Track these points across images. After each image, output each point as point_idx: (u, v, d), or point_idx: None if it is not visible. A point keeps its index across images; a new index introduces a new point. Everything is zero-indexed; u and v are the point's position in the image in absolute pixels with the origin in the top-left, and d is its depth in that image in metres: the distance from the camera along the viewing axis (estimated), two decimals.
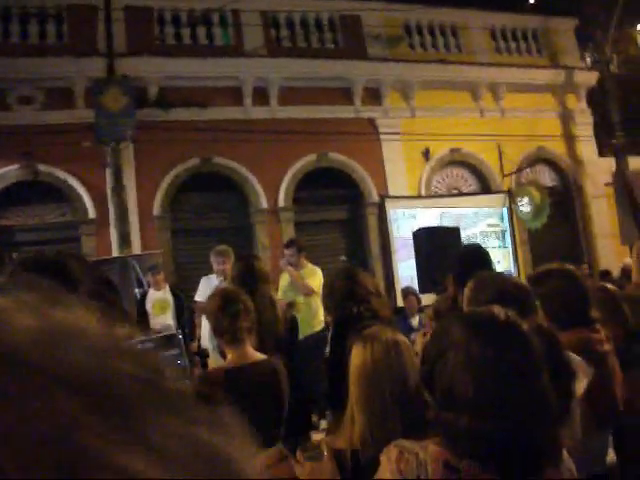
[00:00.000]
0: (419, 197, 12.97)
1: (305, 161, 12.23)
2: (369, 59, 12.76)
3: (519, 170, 14.01)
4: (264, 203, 11.85)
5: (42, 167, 10.52)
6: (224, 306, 3.07)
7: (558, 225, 14.34)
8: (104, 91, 10.18)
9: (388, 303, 4.58)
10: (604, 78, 14.88)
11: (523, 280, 3.51)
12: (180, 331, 7.47)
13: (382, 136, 12.73)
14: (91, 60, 10.68)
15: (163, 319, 7.90)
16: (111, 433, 0.31)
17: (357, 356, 2.23)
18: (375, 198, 12.59)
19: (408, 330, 8.31)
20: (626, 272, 8.40)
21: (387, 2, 12.89)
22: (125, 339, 0.40)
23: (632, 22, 16.23)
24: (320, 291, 5.23)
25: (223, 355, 3.29)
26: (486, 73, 13.67)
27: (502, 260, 12.90)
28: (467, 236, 11.86)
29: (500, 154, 13.66)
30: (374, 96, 12.87)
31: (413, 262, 8.64)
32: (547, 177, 14.88)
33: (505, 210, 13.56)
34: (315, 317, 6.72)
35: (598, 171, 14.63)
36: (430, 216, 12.16)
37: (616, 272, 11.08)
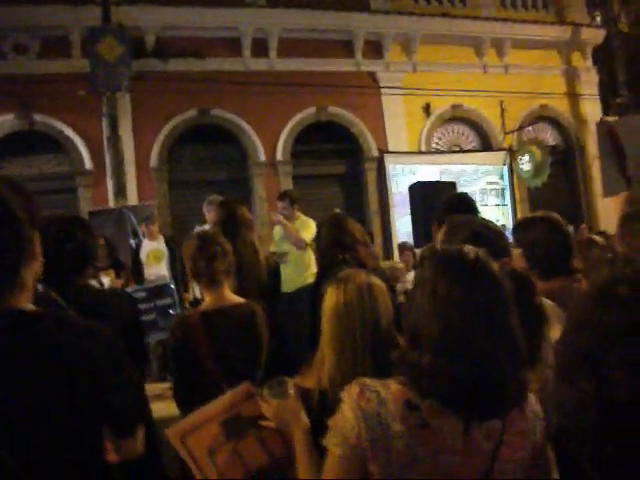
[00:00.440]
0: (419, 153, 12.89)
1: (304, 114, 12.12)
2: (371, 11, 12.51)
3: (521, 128, 13.89)
4: (262, 156, 11.79)
5: (38, 117, 10.44)
6: (201, 247, 3.06)
7: (559, 184, 14.30)
8: (100, 40, 10.01)
9: (375, 253, 4.57)
10: (611, 36, 14.64)
11: None
12: (174, 281, 7.48)
13: (383, 90, 12.59)
14: (87, 8, 10.45)
15: (157, 269, 7.91)
16: None
17: (330, 297, 2.22)
18: (374, 153, 12.51)
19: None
20: None
21: None
22: None
23: None
24: (312, 243, 5.22)
25: None
26: (490, 28, 13.45)
27: (501, 218, 12.86)
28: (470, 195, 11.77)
29: (502, 111, 13.52)
30: (375, 49, 12.68)
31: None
32: (549, 136, 14.75)
33: (505, 168, 13.49)
34: (307, 269, 6.69)
35: None
36: (430, 172, 12.08)
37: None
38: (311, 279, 6.54)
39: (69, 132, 10.62)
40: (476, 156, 13.44)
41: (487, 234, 2.36)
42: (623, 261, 1.18)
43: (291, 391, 2.11)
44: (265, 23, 11.70)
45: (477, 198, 12.27)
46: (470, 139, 13.90)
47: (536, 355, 2.06)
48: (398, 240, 11.49)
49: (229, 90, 11.11)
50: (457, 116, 13.53)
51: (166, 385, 4.68)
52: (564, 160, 14.65)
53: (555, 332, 2.47)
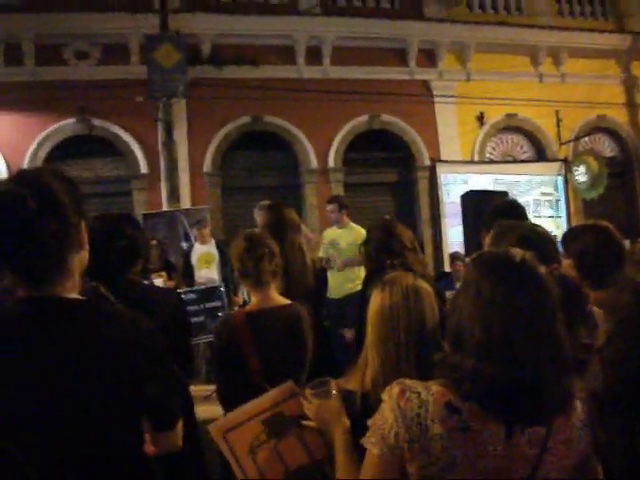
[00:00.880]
0: (472, 162, 12.75)
1: (357, 122, 12.14)
2: (425, 19, 12.48)
3: (577, 138, 13.62)
4: (314, 163, 11.84)
5: (96, 121, 10.76)
6: (248, 248, 3.08)
7: (616, 197, 13.95)
8: (157, 47, 10.24)
9: (424, 260, 4.52)
10: None
11: None
12: (224, 285, 7.57)
13: (436, 99, 12.52)
14: (146, 16, 10.73)
15: (208, 272, 8.02)
16: None
17: (375, 299, 2.21)
18: (427, 162, 12.44)
19: None
20: None
21: None
22: None
23: None
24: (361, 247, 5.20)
25: None
26: (547, 37, 13.21)
27: (555, 230, 12.62)
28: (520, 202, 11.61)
29: (558, 121, 13.29)
30: (429, 58, 12.64)
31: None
32: (606, 147, 14.43)
33: (560, 179, 13.24)
34: (357, 277, 6.66)
35: None
36: (482, 182, 11.94)
37: None
38: (360, 287, 6.55)
39: (126, 136, 10.88)
40: (530, 166, 13.24)
41: (536, 239, 2.32)
42: None
43: (333, 391, 2.11)
44: (319, 31, 11.77)
45: (531, 209, 12.11)
46: (524, 149, 13.70)
47: (585, 363, 2.02)
48: (449, 250, 11.40)
49: (282, 97, 11.20)
50: (511, 125, 13.34)
51: (213, 387, 4.72)
52: (622, 172, 14.30)
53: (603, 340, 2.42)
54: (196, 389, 3.53)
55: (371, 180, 12.42)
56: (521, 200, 11.34)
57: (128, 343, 1.65)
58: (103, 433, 1.60)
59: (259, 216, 6.49)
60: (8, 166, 10.27)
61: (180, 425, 1.87)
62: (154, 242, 7.83)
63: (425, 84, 12.61)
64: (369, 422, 1.66)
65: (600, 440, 1.61)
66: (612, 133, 14.36)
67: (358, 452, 1.79)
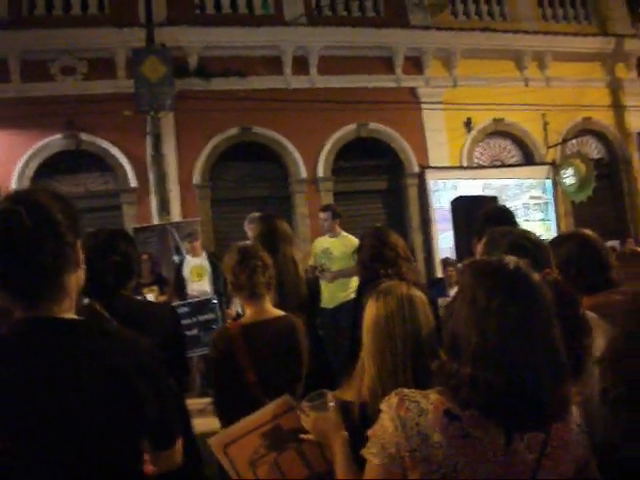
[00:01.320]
0: (460, 168, 12.79)
1: (345, 131, 12.17)
2: (411, 27, 12.53)
3: (564, 141, 13.69)
4: (303, 173, 11.85)
5: (84, 136, 10.72)
6: (241, 261, 3.08)
7: (604, 198, 14.02)
8: (144, 61, 10.24)
9: (417, 269, 4.53)
10: None
11: None
12: (216, 297, 7.56)
13: (423, 105, 12.56)
14: (131, 30, 10.75)
15: (200, 285, 8.01)
16: None
17: (370, 309, 2.21)
18: (415, 169, 12.47)
19: None
20: None
21: None
22: None
23: None
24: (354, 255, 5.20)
25: None
26: (532, 41, 13.29)
27: (545, 233, 12.66)
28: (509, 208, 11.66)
29: (545, 124, 13.36)
30: (415, 65, 12.69)
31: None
32: (593, 149, 14.51)
33: (549, 182, 13.31)
34: (350, 286, 6.69)
35: None
36: (472, 187, 11.99)
37: None
38: (353, 295, 6.56)
39: (114, 151, 10.86)
40: (519, 170, 13.30)
41: (528, 245, 2.33)
42: None
43: (331, 403, 2.10)
44: (305, 41, 11.80)
45: (520, 213, 12.13)
46: (512, 153, 13.75)
47: (579, 368, 2.03)
48: (440, 256, 11.41)
49: (270, 108, 11.23)
50: (499, 130, 13.40)
51: (208, 400, 4.71)
52: (609, 174, 14.38)
53: (598, 344, 2.43)
54: (191, 402, 3.51)
55: (361, 188, 12.44)
56: (511, 204, 11.49)
57: (126, 364, 1.64)
58: (102, 454, 1.59)
59: (250, 229, 6.49)
60: None
61: (180, 443, 1.86)
62: (145, 256, 7.82)
63: (412, 91, 12.65)
64: (368, 433, 1.66)
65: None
66: (598, 135, 14.44)
67: (358, 463, 1.80)
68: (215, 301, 7.42)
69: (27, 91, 10.46)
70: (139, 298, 4.63)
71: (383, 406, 1.64)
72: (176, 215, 10.81)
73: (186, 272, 8.13)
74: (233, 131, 11.52)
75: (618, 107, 14.34)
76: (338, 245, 7.01)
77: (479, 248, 2.54)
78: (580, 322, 2.14)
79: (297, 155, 11.82)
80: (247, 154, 11.76)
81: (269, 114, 11.36)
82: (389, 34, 12.25)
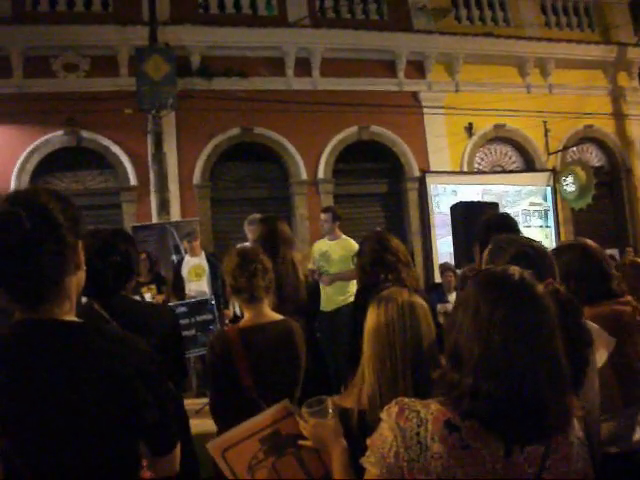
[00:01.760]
0: (461, 173, 12.79)
1: (346, 133, 12.16)
2: (414, 31, 12.54)
3: (565, 148, 13.70)
4: (304, 174, 11.84)
5: (85, 134, 10.70)
6: (241, 264, 3.06)
7: (604, 206, 14.04)
8: (146, 59, 10.24)
9: (417, 274, 4.51)
10: None
11: None
12: (214, 297, 7.54)
13: (425, 110, 12.56)
14: (135, 29, 10.75)
15: (198, 285, 7.98)
16: None
17: (371, 316, 2.21)
18: (416, 173, 12.46)
19: None
20: None
21: None
22: None
23: None
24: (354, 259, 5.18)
25: None
26: (535, 48, 13.30)
27: (544, 240, 12.66)
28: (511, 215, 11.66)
29: (546, 131, 13.35)
30: (418, 69, 12.69)
31: None
32: (594, 157, 14.52)
33: (549, 189, 13.30)
34: (349, 290, 6.66)
35: None
36: (472, 192, 11.99)
37: None
38: (352, 299, 6.53)
39: (115, 149, 10.84)
40: (519, 177, 13.30)
41: (532, 254, 2.32)
42: None
43: (330, 410, 2.09)
44: (308, 43, 11.79)
45: (520, 219, 12.13)
46: (513, 159, 13.75)
47: (580, 379, 2.02)
48: (439, 261, 11.40)
49: (272, 109, 11.23)
50: (500, 136, 13.40)
51: (205, 401, 4.69)
52: (610, 182, 14.39)
53: (600, 355, 2.43)
54: (187, 403, 3.50)
55: (361, 191, 12.44)
56: (510, 210, 11.50)
57: (126, 367, 1.62)
58: (100, 457, 1.58)
59: (250, 231, 6.48)
60: None
61: (178, 448, 1.84)
62: (143, 255, 7.80)
63: (414, 95, 12.64)
64: (368, 441, 1.64)
65: None
66: (599, 143, 14.45)
67: (356, 471, 1.79)
68: (213, 302, 7.40)
69: (29, 87, 10.43)
70: (138, 299, 4.61)
71: (383, 415, 1.63)
72: (176, 214, 10.79)
73: (185, 272, 8.11)
74: (234, 131, 11.50)
75: (619, 115, 14.36)
76: (337, 248, 6.99)
77: (484, 255, 2.53)
78: (581, 332, 2.13)
79: (298, 156, 11.81)
80: (248, 154, 11.77)
81: (271, 115, 11.36)
82: (392, 38, 12.27)
